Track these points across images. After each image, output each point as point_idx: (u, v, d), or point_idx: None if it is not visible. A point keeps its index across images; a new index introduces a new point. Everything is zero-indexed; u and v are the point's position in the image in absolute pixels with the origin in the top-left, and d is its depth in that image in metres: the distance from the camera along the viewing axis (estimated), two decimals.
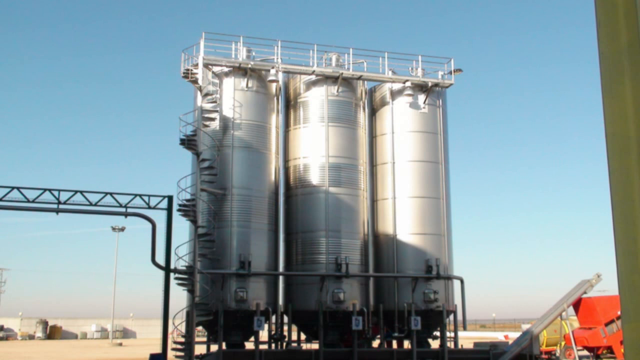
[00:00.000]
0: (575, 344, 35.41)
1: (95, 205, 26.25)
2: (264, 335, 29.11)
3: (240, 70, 30.12)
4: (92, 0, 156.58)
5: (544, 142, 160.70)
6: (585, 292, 35.05)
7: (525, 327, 44.69)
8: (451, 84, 32.39)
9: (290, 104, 32.07)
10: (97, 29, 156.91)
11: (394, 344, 31.32)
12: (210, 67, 29.83)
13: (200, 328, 31.47)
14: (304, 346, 30.39)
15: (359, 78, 31.56)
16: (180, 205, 27.10)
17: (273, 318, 29.59)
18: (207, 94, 28.75)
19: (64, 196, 25.79)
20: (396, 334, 29.80)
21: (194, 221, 27.03)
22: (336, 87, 31.04)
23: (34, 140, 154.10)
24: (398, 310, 29.69)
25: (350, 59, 31.64)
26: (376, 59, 31.86)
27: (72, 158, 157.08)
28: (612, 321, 36.41)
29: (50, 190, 25.72)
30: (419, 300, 29.71)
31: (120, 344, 69.24)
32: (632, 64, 4.49)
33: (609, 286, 65.76)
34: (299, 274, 29.74)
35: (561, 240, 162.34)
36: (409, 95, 31.58)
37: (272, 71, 29.93)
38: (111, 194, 26.30)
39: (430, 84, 31.80)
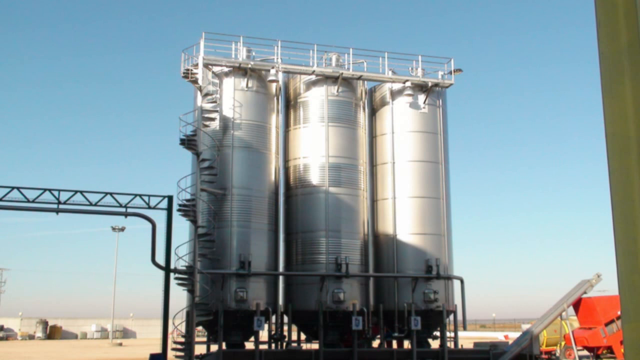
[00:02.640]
0: (575, 344, 35.39)
1: (95, 205, 26.25)
2: (264, 335, 29.11)
3: (240, 70, 30.12)
4: (92, 0, 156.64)
5: (544, 142, 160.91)
6: (585, 292, 35.03)
7: (525, 327, 44.67)
8: (451, 84, 32.39)
9: (290, 104, 32.07)
10: (97, 29, 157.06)
11: (394, 344, 31.32)
12: (210, 67, 29.83)
13: (200, 328, 31.46)
14: (304, 346, 30.38)
15: (359, 78, 31.56)
16: (180, 205, 27.10)
17: (273, 318, 29.58)
18: (207, 94, 28.75)
19: (64, 196, 25.80)
20: (396, 334, 29.79)
21: (194, 221, 27.02)
22: (336, 87, 31.04)
23: (34, 140, 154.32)
24: (398, 310, 29.68)
25: (350, 59, 31.64)
26: (376, 59, 31.90)
27: (72, 158, 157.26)
28: (612, 321, 36.39)
29: (50, 190, 25.72)
30: (419, 300, 29.70)
31: (120, 344, 69.23)
32: (632, 64, 4.49)
33: (609, 286, 65.79)
34: (299, 274, 29.73)
35: (561, 240, 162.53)
36: (409, 95, 31.57)
37: (272, 71, 29.93)
38: (111, 194, 26.31)
39: (430, 84, 31.79)
